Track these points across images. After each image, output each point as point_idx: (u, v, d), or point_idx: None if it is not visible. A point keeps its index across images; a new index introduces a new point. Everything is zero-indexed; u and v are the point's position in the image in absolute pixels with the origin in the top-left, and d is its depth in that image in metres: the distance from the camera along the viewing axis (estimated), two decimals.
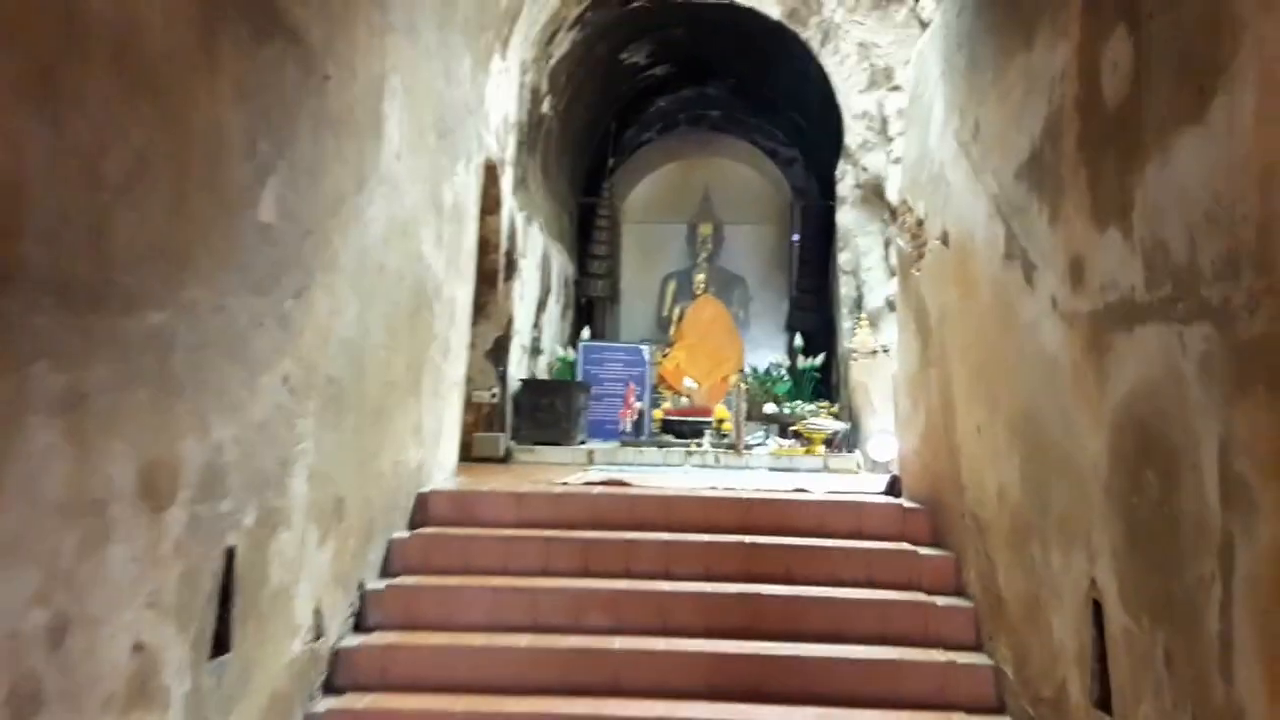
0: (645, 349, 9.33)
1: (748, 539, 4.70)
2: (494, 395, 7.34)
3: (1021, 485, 3.56)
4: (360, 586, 4.28)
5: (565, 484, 5.56)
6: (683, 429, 8.43)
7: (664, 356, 10.00)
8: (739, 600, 4.31)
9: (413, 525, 4.89)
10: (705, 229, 11.75)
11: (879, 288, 8.31)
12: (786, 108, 11.13)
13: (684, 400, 9.20)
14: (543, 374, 8.88)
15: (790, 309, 11.23)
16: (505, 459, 7.31)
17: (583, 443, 8.05)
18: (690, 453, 7.68)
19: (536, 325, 8.78)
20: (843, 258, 8.61)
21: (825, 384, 9.51)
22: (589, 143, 10.92)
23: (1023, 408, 3.55)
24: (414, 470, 5.00)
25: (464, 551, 4.65)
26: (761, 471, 7.21)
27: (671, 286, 11.61)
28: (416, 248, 4.76)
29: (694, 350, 10.22)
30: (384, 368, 4.38)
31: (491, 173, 6.68)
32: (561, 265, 10.07)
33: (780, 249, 11.80)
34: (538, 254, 8.75)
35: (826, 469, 7.28)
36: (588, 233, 11.30)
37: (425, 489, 5.08)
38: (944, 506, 4.74)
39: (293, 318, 3.38)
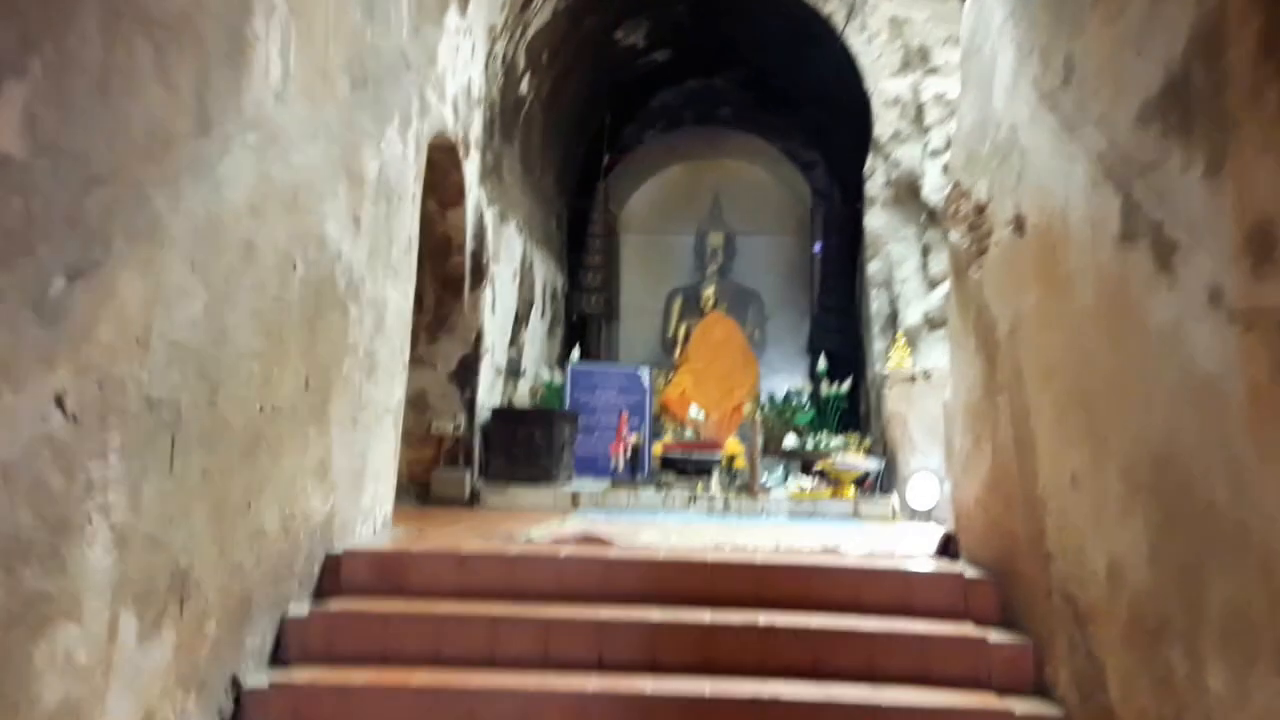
0: (645, 372, 8.17)
1: (762, 618, 3.73)
2: (458, 427, 6.23)
3: (1151, 562, 2.79)
4: (234, 685, 3.27)
5: (529, 540, 4.42)
6: (687, 466, 7.28)
7: (667, 382, 8.85)
8: (749, 708, 3.35)
9: (319, 596, 3.84)
10: (715, 239, 10.94)
11: (917, 302, 7.22)
12: (806, 102, 10.21)
13: (689, 433, 8.01)
14: (524, 400, 7.73)
15: (812, 328, 10.27)
16: (471, 501, 6.25)
17: (569, 480, 6.94)
18: (694, 497, 6.58)
19: (515, 343, 7.64)
20: (873, 268, 7.50)
21: (853, 414, 8.43)
22: (581, 136, 9.94)
23: (1152, 451, 2.73)
24: (320, 524, 3.87)
25: (383, 633, 3.65)
26: (780, 518, 6.32)
27: (677, 303, 10.75)
28: (315, 227, 3.61)
29: (702, 375, 9.19)
30: (259, 387, 3.22)
31: (451, 154, 5.57)
32: (548, 275, 9.00)
33: (800, 261, 10.97)
34: (516, 259, 7.65)
35: (857, 515, 6.35)
36: (580, 240, 10.32)
37: (338, 549, 3.98)
38: (1018, 577, 3.85)
39: (70, 308, 2.26)
